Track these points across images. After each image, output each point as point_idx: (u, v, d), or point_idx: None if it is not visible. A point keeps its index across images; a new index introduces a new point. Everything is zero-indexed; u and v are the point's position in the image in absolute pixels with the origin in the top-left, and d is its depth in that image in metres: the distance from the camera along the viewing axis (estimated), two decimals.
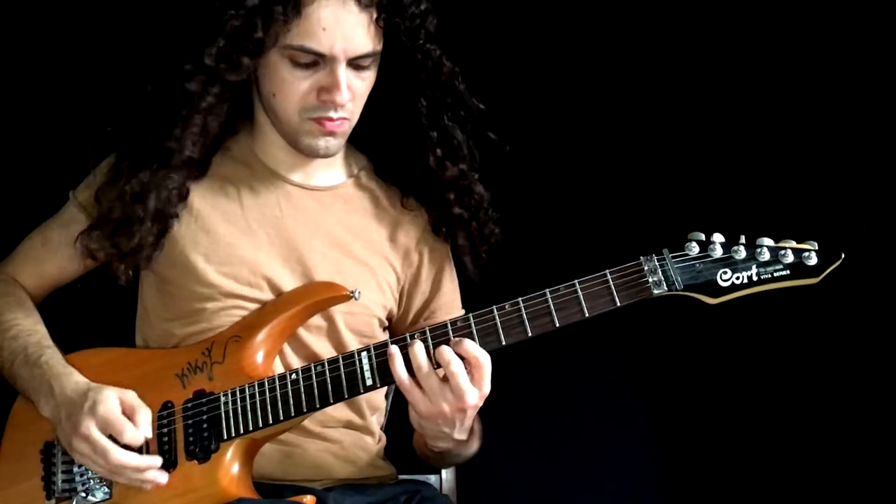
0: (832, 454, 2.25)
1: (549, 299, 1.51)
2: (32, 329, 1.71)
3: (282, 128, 1.68)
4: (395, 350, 1.50)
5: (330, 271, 1.70)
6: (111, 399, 1.54)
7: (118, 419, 1.53)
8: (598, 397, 2.34)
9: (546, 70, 2.30)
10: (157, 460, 1.55)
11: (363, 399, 1.74)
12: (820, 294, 1.51)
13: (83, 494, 1.60)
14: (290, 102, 1.63)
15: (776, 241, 1.50)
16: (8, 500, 1.64)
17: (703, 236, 1.51)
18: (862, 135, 2.21)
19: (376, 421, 1.82)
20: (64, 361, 1.65)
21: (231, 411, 1.57)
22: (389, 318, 1.79)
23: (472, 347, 1.48)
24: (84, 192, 1.75)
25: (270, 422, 1.56)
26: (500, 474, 2.27)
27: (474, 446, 1.66)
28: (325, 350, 1.70)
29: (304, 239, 1.71)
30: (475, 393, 1.48)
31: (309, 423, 1.67)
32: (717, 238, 1.51)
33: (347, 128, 1.67)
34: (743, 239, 1.50)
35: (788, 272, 1.48)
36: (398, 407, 1.80)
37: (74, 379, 1.60)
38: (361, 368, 1.55)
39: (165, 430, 1.59)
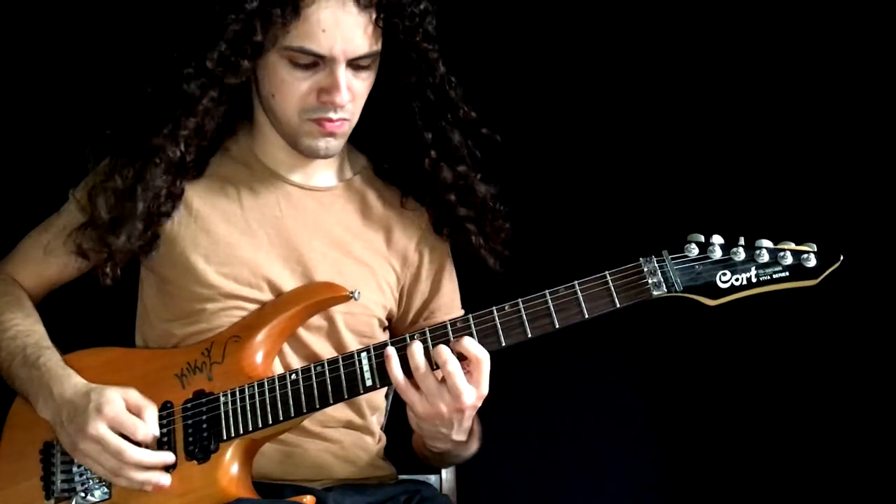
0: (832, 454, 2.25)
1: (549, 300, 1.51)
2: (31, 329, 1.71)
3: (281, 129, 1.68)
4: (391, 351, 1.50)
5: (330, 272, 1.70)
6: (116, 399, 1.55)
7: (129, 418, 1.54)
8: (598, 398, 2.33)
9: (546, 71, 2.29)
10: (171, 456, 1.55)
11: (363, 399, 1.74)
12: (819, 296, 1.51)
13: (82, 494, 1.60)
14: (289, 103, 1.63)
15: (775, 243, 1.50)
16: (7, 501, 1.64)
17: (702, 238, 1.51)
18: (862, 135, 2.21)
19: (376, 421, 1.82)
20: (62, 363, 1.64)
21: (230, 411, 1.57)
22: (389, 319, 1.79)
23: (471, 345, 1.48)
24: (83, 192, 1.75)
25: (270, 422, 1.56)
26: (500, 474, 2.27)
27: (473, 447, 1.66)
28: (325, 350, 1.70)
29: (303, 239, 1.71)
30: (472, 393, 1.48)
31: (309, 423, 1.67)
32: (717, 240, 1.51)
33: (347, 128, 1.67)
34: (742, 240, 1.50)
35: (787, 274, 1.48)
36: (398, 407, 1.80)
37: (73, 381, 1.60)
38: (361, 369, 1.55)
39: (165, 430, 1.59)
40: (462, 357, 1.49)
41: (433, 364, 1.49)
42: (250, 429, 1.56)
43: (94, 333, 1.73)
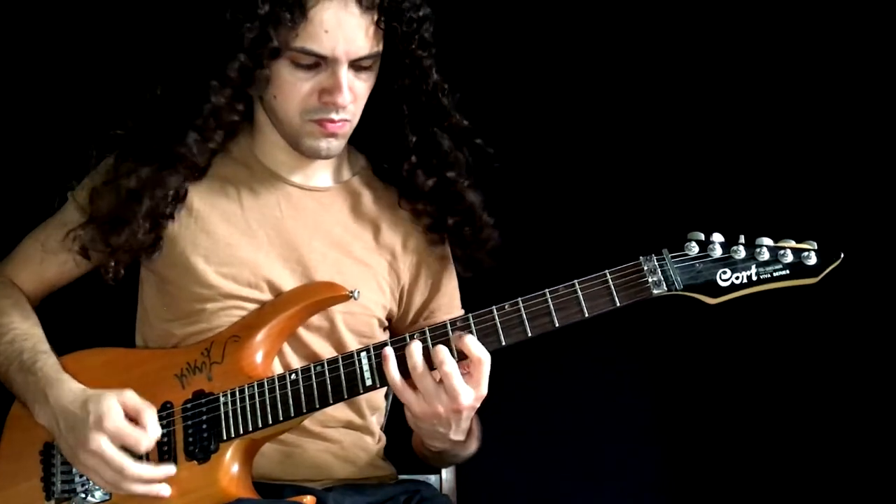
0: (832, 453, 2.25)
1: (549, 299, 1.51)
2: (28, 333, 1.70)
3: (283, 129, 1.68)
4: (388, 351, 1.50)
5: (330, 272, 1.70)
6: (115, 408, 1.53)
7: (130, 431, 1.53)
8: (598, 397, 2.34)
9: (547, 70, 2.30)
10: (172, 468, 1.55)
11: (363, 399, 1.74)
12: (819, 294, 1.51)
13: (82, 495, 1.60)
14: (291, 104, 1.63)
15: (775, 241, 1.50)
16: (7, 501, 1.64)
17: (702, 236, 1.51)
18: (862, 134, 2.21)
19: (376, 421, 1.82)
20: (59, 367, 1.63)
21: (230, 412, 1.57)
22: (389, 319, 1.79)
23: (472, 344, 1.48)
24: (83, 193, 1.75)
25: (270, 422, 1.56)
26: (500, 474, 2.27)
27: (473, 447, 1.66)
28: (325, 350, 1.69)
29: (304, 240, 1.71)
30: (470, 394, 1.47)
31: (309, 422, 1.67)
32: (717, 238, 1.51)
33: (348, 129, 1.67)
34: (742, 239, 1.50)
35: (788, 272, 1.48)
36: (398, 407, 1.80)
37: (69, 387, 1.59)
38: (361, 369, 1.55)
39: (165, 430, 1.58)
40: (462, 357, 1.49)
41: (431, 364, 1.49)
42: (250, 429, 1.56)
43: (94, 333, 1.72)
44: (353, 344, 1.70)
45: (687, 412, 2.34)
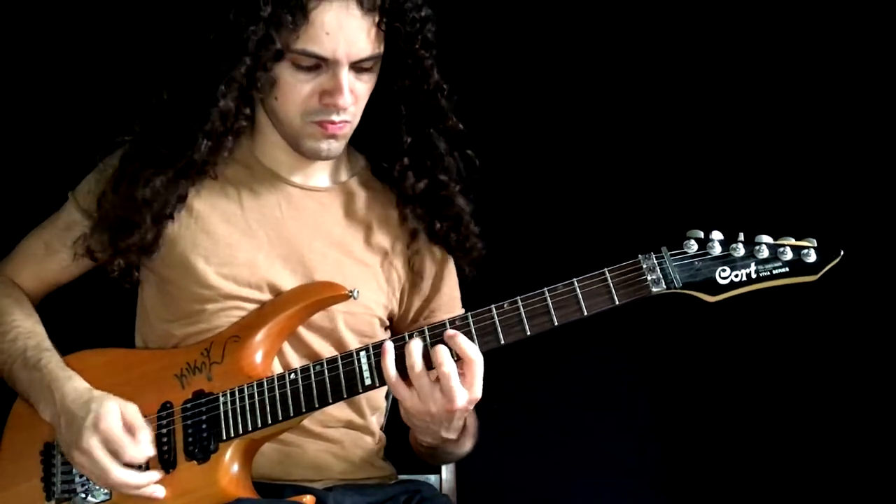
0: (831, 452, 2.25)
1: (548, 298, 1.51)
2: (32, 331, 1.71)
3: (283, 130, 1.68)
4: (389, 346, 1.50)
5: (330, 272, 1.70)
6: (113, 413, 1.54)
7: (120, 437, 1.53)
8: (598, 396, 2.33)
9: (546, 68, 2.30)
10: (155, 476, 1.55)
11: (363, 399, 1.74)
12: (819, 291, 1.51)
13: (83, 495, 1.60)
14: (292, 106, 1.63)
15: (775, 239, 1.49)
16: (7, 501, 1.64)
17: (701, 234, 1.51)
18: (861, 132, 2.21)
19: (376, 421, 1.82)
20: (63, 364, 1.64)
21: (230, 412, 1.57)
22: (390, 318, 1.79)
23: (465, 345, 1.48)
24: (83, 192, 1.76)
25: (269, 422, 1.56)
26: (500, 474, 2.27)
27: (467, 446, 1.66)
28: (326, 350, 1.69)
29: (304, 240, 1.71)
30: (465, 395, 1.47)
31: (309, 422, 1.67)
32: (716, 235, 1.50)
33: (349, 130, 1.67)
34: (741, 236, 1.49)
35: (787, 269, 1.47)
36: (398, 407, 1.80)
37: (74, 384, 1.60)
38: (360, 368, 1.55)
39: (164, 430, 1.59)
40: (456, 358, 1.49)
41: (429, 364, 1.49)
42: (250, 429, 1.56)
43: (94, 334, 1.73)
44: (353, 343, 1.70)
45: (686, 410, 2.34)
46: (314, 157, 1.68)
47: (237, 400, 1.57)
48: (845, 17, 2.20)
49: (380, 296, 1.75)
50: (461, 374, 1.47)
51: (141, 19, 2.17)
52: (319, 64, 1.59)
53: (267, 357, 1.63)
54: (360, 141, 1.78)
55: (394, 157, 1.75)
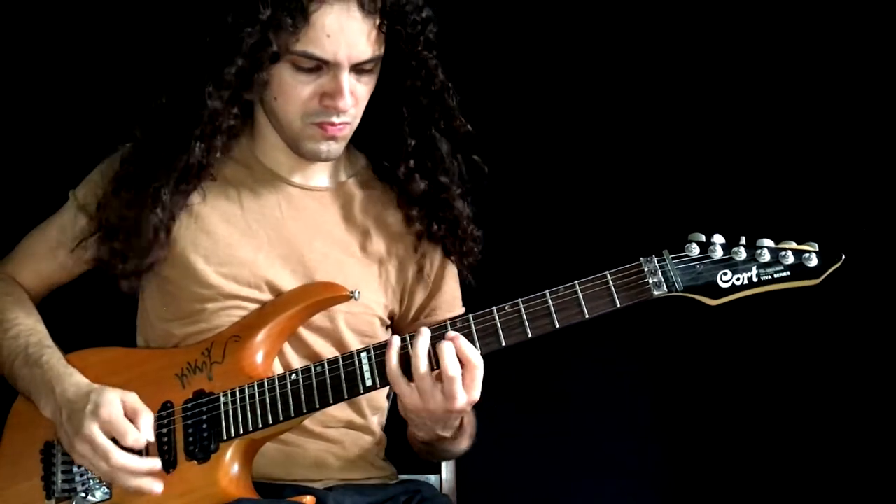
0: (832, 453, 2.25)
1: (549, 300, 1.51)
2: (33, 329, 1.71)
3: (283, 132, 1.68)
4: (396, 340, 1.51)
5: (331, 272, 1.70)
6: (113, 401, 1.54)
7: (121, 422, 1.53)
8: (599, 398, 2.33)
9: (548, 70, 2.29)
10: (157, 462, 1.55)
11: (364, 399, 1.74)
12: (820, 295, 1.51)
13: (83, 495, 1.60)
14: (292, 107, 1.63)
15: (776, 243, 1.49)
16: (8, 501, 1.64)
17: (703, 237, 1.51)
18: (862, 135, 2.21)
19: (377, 421, 1.82)
20: (64, 361, 1.65)
21: (231, 411, 1.57)
22: (391, 318, 1.79)
23: (467, 349, 1.48)
24: (84, 191, 1.76)
25: (270, 422, 1.56)
26: (500, 474, 2.27)
27: (463, 445, 1.67)
28: (327, 350, 1.69)
29: (304, 240, 1.71)
30: (464, 398, 1.48)
31: (309, 422, 1.67)
32: (718, 239, 1.50)
33: (349, 132, 1.67)
34: (743, 240, 1.50)
35: (789, 273, 1.47)
36: (398, 407, 1.80)
37: (75, 379, 1.61)
38: (361, 369, 1.55)
39: (165, 430, 1.59)
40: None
41: (433, 362, 1.49)
42: (250, 429, 1.56)
43: (94, 333, 1.73)
44: (354, 343, 1.70)
45: (687, 414, 2.34)
46: (314, 158, 1.68)
47: (238, 400, 1.57)
48: (846, 19, 2.20)
49: (381, 296, 1.75)
50: (461, 377, 1.48)
51: (142, 19, 2.16)
52: (320, 66, 1.59)
53: (267, 357, 1.63)
54: (362, 141, 1.78)
55: (398, 159, 1.75)
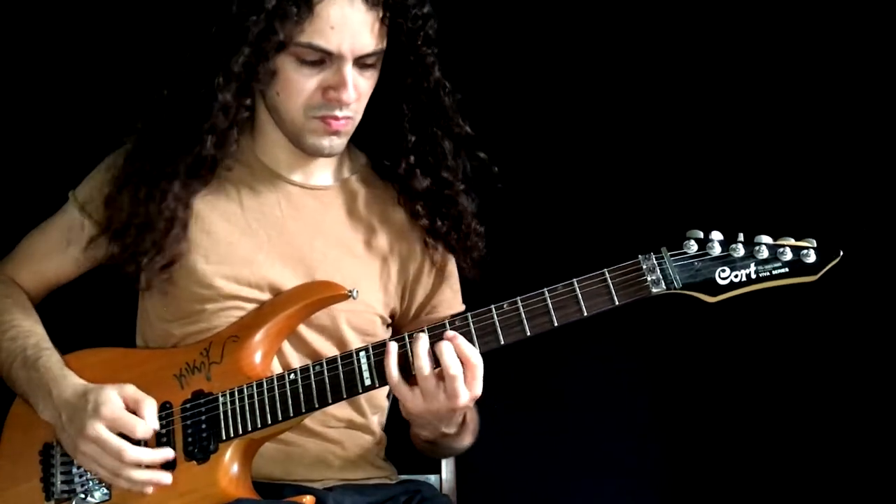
0: (831, 452, 2.24)
1: (548, 298, 1.51)
2: (31, 330, 1.71)
3: (285, 127, 1.68)
4: (392, 346, 1.51)
5: (331, 270, 1.69)
6: (113, 397, 1.55)
7: (126, 417, 1.54)
8: (598, 396, 2.33)
9: (546, 68, 2.29)
10: (170, 452, 1.55)
11: (364, 398, 1.73)
12: (818, 292, 1.50)
13: (82, 495, 1.60)
14: (295, 101, 1.63)
15: (774, 239, 1.49)
16: (7, 502, 1.64)
17: (701, 234, 1.51)
18: (861, 132, 2.20)
19: (377, 420, 1.82)
20: (62, 364, 1.64)
21: (230, 412, 1.57)
22: (392, 315, 1.79)
23: (465, 348, 1.48)
24: (84, 192, 1.76)
25: (269, 422, 1.56)
26: (500, 474, 2.27)
27: (467, 440, 1.67)
28: (327, 348, 1.69)
29: (305, 239, 1.71)
30: (467, 395, 1.48)
31: (309, 422, 1.67)
32: (716, 236, 1.50)
33: (351, 127, 1.67)
34: (741, 237, 1.49)
35: (787, 270, 1.47)
36: (398, 407, 1.79)
37: (72, 381, 1.60)
38: (360, 368, 1.55)
39: (164, 430, 1.58)
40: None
41: (433, 361, 1.49)
42: (249, 429, 1.56)
43: (94, 333, 1.73)
44: (355, 342, 1.70)
45: (686, 411, 2.34)
46: (316, 153, 1.68)
47: (236, 400, 1.57)
48: (845, 17, 2.20)
49: (381, 294, 1.75)
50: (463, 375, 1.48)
51: (143, 14, 2.16)
52: (323, 58, 1.59)
53: (266, 357, 1.63)
54: (363, 139, 1.78)
55: (398, 156, 1.75)
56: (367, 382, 1.54)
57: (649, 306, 1.53)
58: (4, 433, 1.70)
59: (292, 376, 1.56)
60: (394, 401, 1.88)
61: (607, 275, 1.50)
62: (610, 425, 2.34)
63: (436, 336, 1.51)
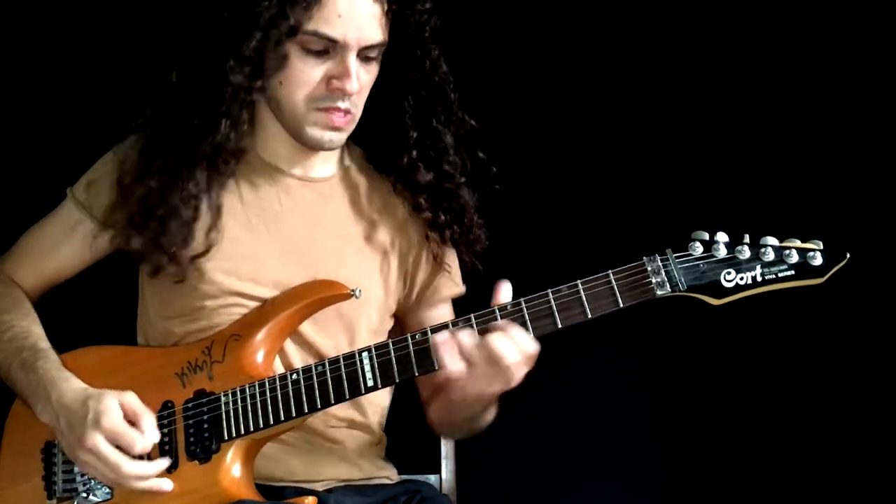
0: (832, 453, 2.25)
1: (552, 300, 1.50)
2: (29, 330, 1.70)
3: (286, 119, 1.67)
4: (439, 338, 1.50)
5: (332, 264, 1.69)
6: (113, 408, 1.53)
7: (126, 432, 1.52)
8: (600, 398, 2.33)
9: (551, 69, 2.30)
10: (166, 462, 1.55)
11: (365, 398, 1.73)
12: (825, 294, 1.50)
13: (84, 495, 1.59)
14: (298, 91, 1.62)
15: (781, 241, 1.48)
16: (8, 501, 1.64)
17: (706, 236, 1.50)
18: (867, 133, 2.21)
19: (378, 421, 1.81)
20: (60, 365, 1.63)
21: (232, 411, 1.57)
22: (396, 304, 1.79)
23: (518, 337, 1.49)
24: (82, 188, 1.75)
25: (271, 422, 1.55)
26: (500, 474, 2.27)
27: (493, 412, 1.66)
28: (332, 343, 1.69)
29: (305, 232, 1.71)
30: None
31: (310, 421, 1.66)
32: (721, 238, 1.49)
33: (352, 124, 1.67)
34: (747, 238, 1.48)
35: (793, 272, 1.46)
36: (398, 407, 1.79)
37: (71, 385, 1.59)
38: (362, 369, 1.54)
39: (166, 430, 1.58)
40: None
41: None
42: (251, 429, 1.56)
43: (94, 332, 1.72)
44: (361, 334, 1.70)
45: (690, 413, 2.34)
46: (316, 146, 1.68)
47: (239, 400, 1.57)
48: (846, 17, 2.20)
49: (384, 284, 1.75)
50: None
51: (146, 5, 2.16)
52: (328, 48, 1.59)
53: (268, 356, 1.63)
54: (363, 134, 1.77)
55: (400, 150, 1.75)
56: (370, 384, 1.54)
57: (651, 307, 1.52)
58: (6, 432, 1.69)
59: (294, 376, 1.56)
60: (393, 401, 1.88)
61: (612, 276, 1.49)
62: (610, 425, 2.34)
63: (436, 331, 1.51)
